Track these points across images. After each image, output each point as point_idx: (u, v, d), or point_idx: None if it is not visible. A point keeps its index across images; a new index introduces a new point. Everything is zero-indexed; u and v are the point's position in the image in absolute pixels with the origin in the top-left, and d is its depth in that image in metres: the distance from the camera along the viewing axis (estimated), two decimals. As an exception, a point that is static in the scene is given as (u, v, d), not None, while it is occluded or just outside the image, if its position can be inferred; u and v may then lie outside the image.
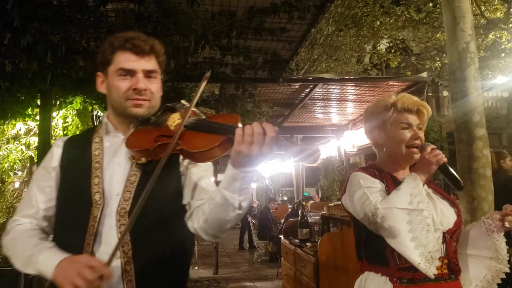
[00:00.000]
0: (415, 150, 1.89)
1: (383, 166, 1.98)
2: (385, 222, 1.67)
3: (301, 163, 13.32)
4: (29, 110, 5.53)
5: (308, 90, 8.06)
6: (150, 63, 1.57)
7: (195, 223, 1.51)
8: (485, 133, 3.85)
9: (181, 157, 1.58)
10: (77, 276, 1.23)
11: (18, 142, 7.09)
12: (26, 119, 5.86)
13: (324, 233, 4.51)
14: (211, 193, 1.47)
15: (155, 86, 1.59)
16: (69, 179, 1.56)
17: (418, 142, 1.90)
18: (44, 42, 4.02)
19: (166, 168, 1.40)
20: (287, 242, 5.27)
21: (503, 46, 11.23)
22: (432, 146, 1.87)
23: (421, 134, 1.92)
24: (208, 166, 1.65)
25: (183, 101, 1.62)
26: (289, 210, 10.74)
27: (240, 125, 1.40)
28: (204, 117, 1.51)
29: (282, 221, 9.23)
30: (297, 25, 5.18)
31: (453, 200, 1.98)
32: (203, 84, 1.52)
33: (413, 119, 1.91)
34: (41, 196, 1.58)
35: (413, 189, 1.71)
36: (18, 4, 3.67)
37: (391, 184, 1.87)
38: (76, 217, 1.49)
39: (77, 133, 6.80)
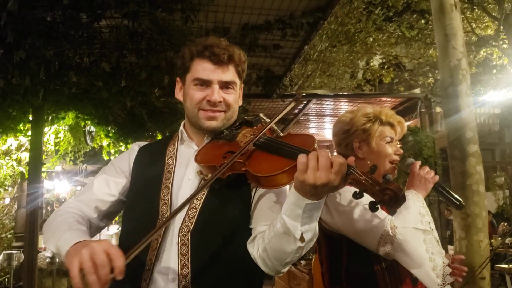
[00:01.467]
0: (396, 165, 1.86)
1: None
2: (404, 241, 1.57)
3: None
4: (21, 125, 5.48)
5: (302, 106, 8.08)
6: (227, 74, 1.48)
7: (255, 250, 1.35)
8: (478, 149, 3.87)
9: None
10: (88, 256, 1.08)
11: (9, 158, 7.02)
12: (18, 134, 5.80)
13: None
14: (273, 219, 1.30)
15: (232, 97, 1.50)
16: (139, 186, 1.50)
17: (398, 158, 1.86)
18: (37, 57, 4.00)
19: (235, 186, 1.36)
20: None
21: (494, 63, 11.37)
22: (419, 162, 1.84)
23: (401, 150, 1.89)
24: (282, 188, 1.43)
25: (261, 115, 1.54)
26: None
27: (316, 146, 1.26)
28: (280, 134, 1.43)
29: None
30: (290, 42, 5.22)
31: None
32: (291, 105, 1.43)
33: (393, 133, 1.87)
34: (102, 187, 1.54)
35: (421, 208, 1.66)
36: (12, 20, 3.66)
37: None
38: (141, 228, 1.32)
39: (69, 149, 6.77)
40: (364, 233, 1.64)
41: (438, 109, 7.30)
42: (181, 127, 1.60)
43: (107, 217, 1.56)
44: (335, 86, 13.63)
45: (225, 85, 1.48)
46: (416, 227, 1.60)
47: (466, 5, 10.26)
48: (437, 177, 1.79)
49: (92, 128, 6.31)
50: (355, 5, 10.88)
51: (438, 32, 4.09)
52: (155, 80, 4.77)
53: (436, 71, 11.54)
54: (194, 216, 1.37)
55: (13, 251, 6.42)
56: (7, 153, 7.04)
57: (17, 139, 6.63)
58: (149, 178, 1.50)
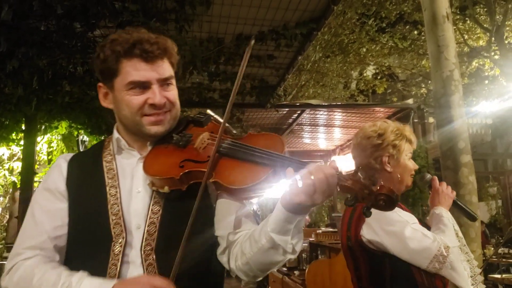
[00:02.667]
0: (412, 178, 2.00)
1: None
2: (456, 260, 1.71)
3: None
4: (13, 134, 5.46)
5: (295, 115, 8.10)
6: (164, 69, 1.30)
7: (231, 262, 1.27)
8: (470, 159, 3.88)
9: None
10: None
11: (1, 167, 6.97)
12: (10, 143, 5.77)
13: (312, 260, 4.47)
14: (253, 232, 1.21)
15: (174, 94, 1.34)
16: (80, 207, 1.29)
17: (413, 173, 2.00)
18: (31, 67, 3.99)
19: (194, 194, 1.16)
20: (275, 270, 5.20)
21: (486, 73, 11.48)
22: (435, 177, 2.03)
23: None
24: None
25: (209, 112, 1.38)
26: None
27: (285, 149, 1.20)
28: (240, 134, 1.30)
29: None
30: (284, 52, 5.25)
31: None
32: (246, 60, 1.24)
33: (411, 150, 2.02)
34: (48, 221, 1.28)
35: (454, 225, 1.83)
36: (5, 29, 3.65)
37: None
38: (92, 255, 1.22)
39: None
40: (417, 253, 1.73)
41: (431, 120, 7.36)
42: (117, 134, 1.38)
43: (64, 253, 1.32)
44: (329, 96, 13.70)
45: (165, 82, 1.31)
46: (455, 245, 1.75)
47: (458, 17, 10.38)
48: (455, 193, 1.99)
49: (85, 138, 6.28)
50: (348, 16, 10.97)
51: (430, 43, 4.13)
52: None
53: (429, 81, 11.63)
54: (155, 232, 1.23)
55: (4, 262, 6.35)
56: (-1, 162, 7.00)
57: (10, 149, 6.60)
58: (90, 196, 1.30)
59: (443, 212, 1.87)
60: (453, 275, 1.72)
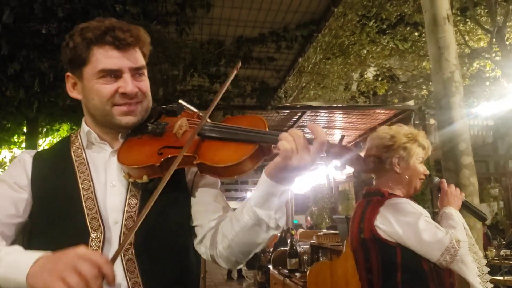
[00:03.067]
0: (422, 182, 2.09)
1: (391, 191, 2.07)
2: (466, 254, 1.78)
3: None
4: (15, 137, 5.48)
5: (296, 117, 8.10)
6: (136, 58, 1.27)
7: (211, 249, 1.27)
8: (471, 161, 3.88)
9: (186, 169, 1.34)
10: (70, 270, 0.88)
11: (2, 170, 6.98)
12: (12, 146, 5.79)
13: (313, 263, 4.46)
14: (234, 213, 1.23)
15: (146, 84, 1.30)
16: (51, 203, 1.23)
17: (424, 176, 2.09)
18: (32, 70, 4.00)
19: (170, 186, 1.12)
20: (276, 272, 5.20)
21: (487, 75, 11.46)
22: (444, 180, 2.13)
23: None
24: (214, 178, 1.36)
25: (182, 102, 1.35)
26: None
27: (267, 127, 1.20)
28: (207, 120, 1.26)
29: (271, 249, 9.13)
30: (285, 54, 5.26)
31: None
32: (230, 78, 1.27)
33: (424, 154, 2.10)
34: (5, 207, 1.23)
35: (464, 223, 1.91)
36: (7, 32, 3.66)
37: None
38: None
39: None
40: (430, 244, 1.81)
41: (432, 121, 7.34)
42: (86, 127, 1.33)
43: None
44: (330, 98, 13.70)
45: (137, 72, 1.27)
46: (465, 240, 1.81)
47: (459, 18, 10.37)
48: (463, 194, 2.09)
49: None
50: (349, 18, 10.97)
51: (431, 44, 4.12)
52: (150, 92, 4.77)
53: (430, 83, 11.63)
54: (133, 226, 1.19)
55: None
56: (1, 165, 7.00)
57: (11, 151, 6.60)
58: (62, 191, 1.25)
59: (453, 211, 1.96)
60: (463, 269, 1.77)
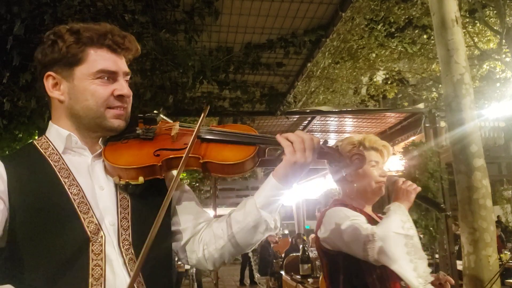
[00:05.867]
0: (381, 185, 2.04)
1: (351, 202, 2.07)
2: (384, 245, 1.73)
3: (303, 196, 13.25)
4: (27, 147, 5.53)
5: (306, 122, 8.10)
6: (125, 64, 1.31)
7: (199, 252, 1.31)
8: (483, 163, 3.84)
9: (165, 177, 1.35)
10: None
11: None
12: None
13: (325, 267, 4.44)
14: (230, 216, 1.30)
15: (130, 91, 1.31)
16: (40, 212, 1.15)
17: (384, 179, 2.04)
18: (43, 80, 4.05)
19: (154, 189, 1.24)
20: (288, 278, 5.18)
21: (497, 76, 11.38)
22: (403, 178, 2.03)
23: (387, 173, 2.08)
24: (189, 188, 1.46)
25: (156, 111, 1.39)
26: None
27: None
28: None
29: (283, 255, 9.11)
30: (293, 59, 5.27)
31: None
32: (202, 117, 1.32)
33: (379, 157, 2.06)
34: None
35: (402, 216, 1.81)
36: (18, 43, 3.71)
37: (369, 217, 1.98)
38: (68, 260, 1.12)
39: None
40: (351, 242, 1.82)
41: (442, 124, 7.29)
42: (65, 131, 1.27)
43: None
44: (339, 102, 13.68)
45: (126, 77, 1.30)
46: (396, 231, 1.74)
47: (467, 20, 10.31)
48: (419, 188, 2.00)
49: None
50: (357, 22, 10.97)
51: (440, 47, 4.11)
52: (160, 100, 4.80)
53: (440, 85, 11.57)
54: (128, 227, 1.21)
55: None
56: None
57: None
58: (49, 198, 1.18)
59: (393, 206, 1.89)
60: (385, 259, 1.74)
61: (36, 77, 1.36)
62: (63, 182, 1.20)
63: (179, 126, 1.35)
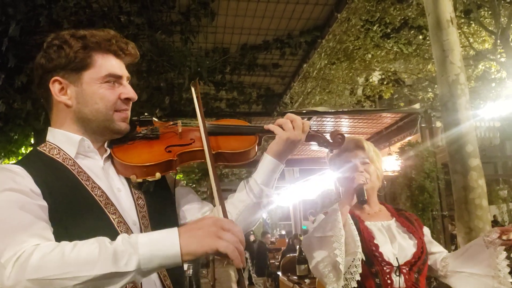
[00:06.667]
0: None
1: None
2: (305, 249, 1.86)
3: (301, 196, 13.25)
4: (23, 149, 5.51)
5: (302, 123, 8.09)
6: (125, 68, 1.36)
7: None
8: (479, 163, 3.86)
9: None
10: (222, 231, 0.94)
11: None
12: (20, 158, 5.83)
13: (322, 268, 4.44)
14: (233, 197, 1.42)
15: (136, 95, 1.37)
16: (70, 215, 1.13)
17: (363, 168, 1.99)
18: (39, 82, 4.04)
19: (161, 186, 1.35)
20: (285, 279, 5.18)
21: (493, 76, 11.42)
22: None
23: (369, 168, 2.02)
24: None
25: (148, 114, 1.43)
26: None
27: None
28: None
29: (280, 256, 9.11)
30: (289, 60, 5.28)
31: (416, 233, 2.00)
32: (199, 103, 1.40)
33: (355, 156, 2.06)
34: (39, 212, 1.07)
35: (328, 218, 1.78)
36: (13, 45, 3.70)
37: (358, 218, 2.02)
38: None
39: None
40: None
41: (438, 124, 7.31)
42: (76, 136, 1.27)
43: None
44: (335, 103, 13.68)
45: (127, 81, 1.35)
46: (316, 235, 1.77)
47: (462, 20, 10.35)
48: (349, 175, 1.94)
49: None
50: (352, 23, 10.98)
51: (435, 47, 4.12)
52: (156, 101, 4.81)
53: (435, 86, 11.60)
54: (148, 224, 1.25)
55: None
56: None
57: (19, 163, 6.65)
58: (76, 201, 1.16)
59: (329, 210, 1.84)
60: (309, 264, 1.84)
61: (33, 80, 1.35)
62: (85, 185, 1.20)
63: (182, 124, 1.43)
